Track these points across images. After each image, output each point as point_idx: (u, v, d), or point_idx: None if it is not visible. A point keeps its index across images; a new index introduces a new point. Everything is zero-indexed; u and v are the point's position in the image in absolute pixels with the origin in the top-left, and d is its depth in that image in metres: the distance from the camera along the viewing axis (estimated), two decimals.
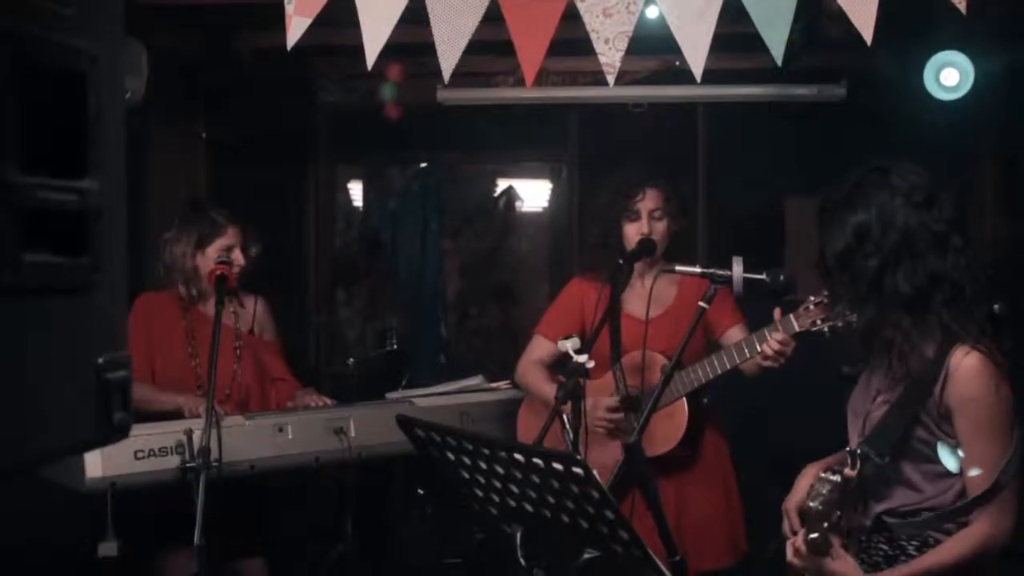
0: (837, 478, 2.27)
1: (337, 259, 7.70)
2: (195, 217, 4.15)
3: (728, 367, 3.50)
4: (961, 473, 2.48)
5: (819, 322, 3.20)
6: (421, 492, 5.41)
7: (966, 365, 2.42)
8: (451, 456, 2.41)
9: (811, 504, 2.29)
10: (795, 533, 2.53)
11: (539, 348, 3.97)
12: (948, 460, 2.47)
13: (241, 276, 4.08)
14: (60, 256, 1.02)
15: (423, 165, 7.99)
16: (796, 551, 2.45)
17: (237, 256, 4.06)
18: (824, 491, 2.28)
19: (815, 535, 2.32)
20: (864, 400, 2.67)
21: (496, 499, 2.40)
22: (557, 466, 2.14)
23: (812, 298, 3.24)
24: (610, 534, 2.19)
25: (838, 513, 2.29)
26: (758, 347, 3.36)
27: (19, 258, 0.96)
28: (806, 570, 2.43)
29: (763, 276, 3.08)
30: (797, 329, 3.25)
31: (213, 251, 4.05)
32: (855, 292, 2.52)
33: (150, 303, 4.08)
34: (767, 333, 3.33)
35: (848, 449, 2.39)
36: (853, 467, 2.32)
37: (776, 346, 3.28)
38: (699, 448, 3.78)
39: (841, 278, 2.56)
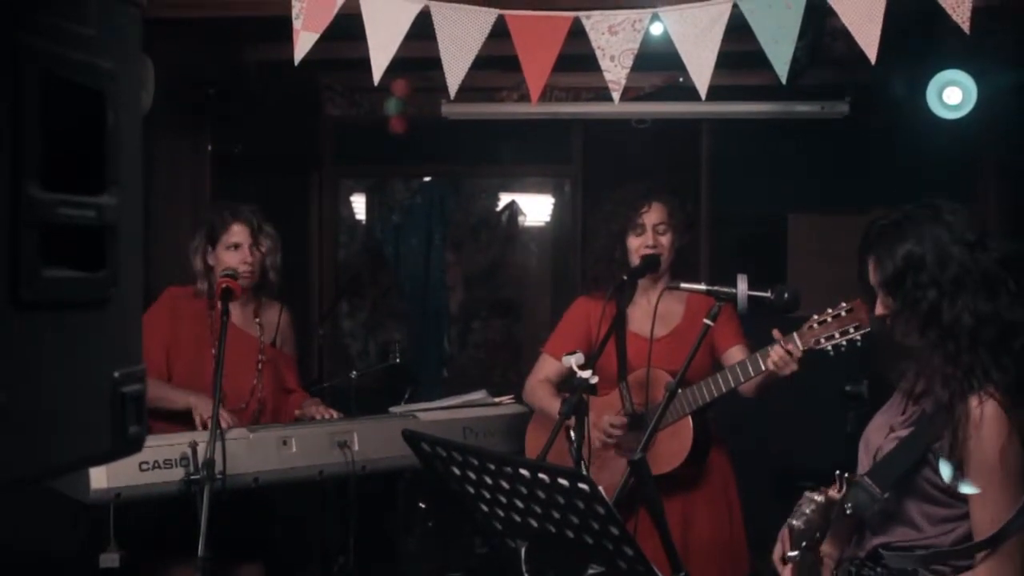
0: (821, 499, 2.26)
1: (341, 272, 7.72)
2: (210, 214, 4.16)
3: (733, 385, 3.49)
4: (967, 519, 2.47)
5: (822, 340, 3.20)
6: (423, 506, 5.41)
7: (980, 413, 2.41)
8: (456, 471, 2.42)
9: (793, 523, 2.29)
10: (784, 560, 2.52)
11: (546, 366, 3.98)
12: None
13: (259, 280, 4.06)
14: (78, 271, 1.04)
15: (427, 179, 8.01)
16: None
17: (244, 254, 4.00)
18: (807, 511, 2.28)
19: (794, 553, 2.33)
20: (878, 434, 2.67)
21: (501, 514, 2.40)
22: (563, 482, 2.14)
23: (815, 316, 3.23)
24: (615, 551, 2.20)
25: (818, 535, 2.29)
26: (762, 366, 3.36)
27: (39, 273, 0.97)
28: None
29: (767, 293, 3.08)
30: (801, 347, 3.24)
31: (221, 248, 4.00)
32: (910, 319, 2.51)
33: (176, 297, 4.06)
34: (770, 351, 3.33)
35: (838, 472, 2.39)
36: (840, 489, 2.32)
37: (782, 352, 3.26)
38: (705, 467, 3.77)
39: (892, 304, 2.56)
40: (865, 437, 2.73)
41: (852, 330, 3.14)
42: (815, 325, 3.22)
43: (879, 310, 2.61)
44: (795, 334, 3.25)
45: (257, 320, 4.14)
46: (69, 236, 1.02)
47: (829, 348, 3.19)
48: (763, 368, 3.35)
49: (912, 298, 2.49)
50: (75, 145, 1.04)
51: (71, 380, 1.04)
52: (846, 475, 2.38)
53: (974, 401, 2.42)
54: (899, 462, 2.52)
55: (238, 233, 4.02)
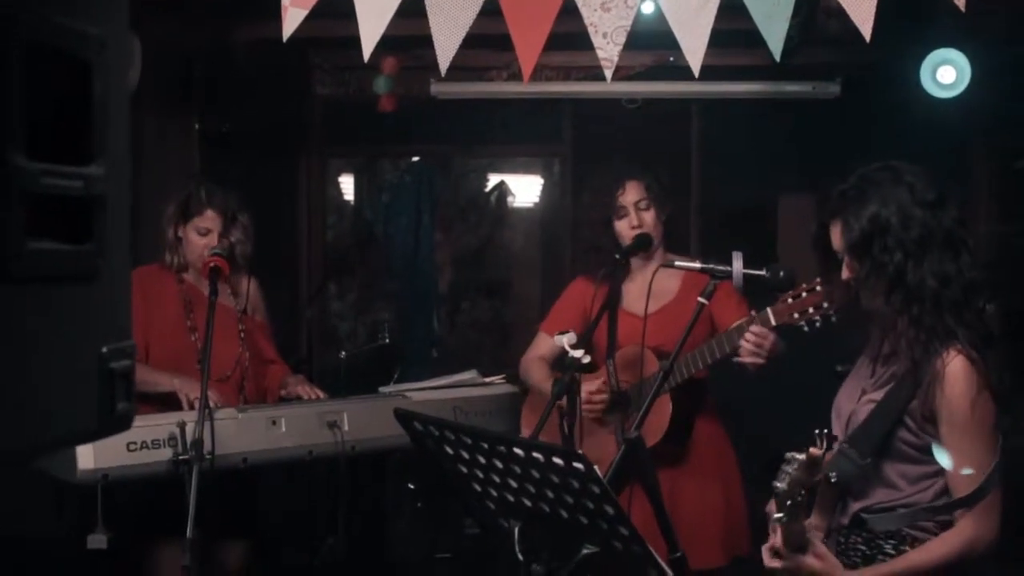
0: (803, 456, 2.26)
1: (329, 252, 7.69)
2: (188, 187, 4.09)
3: (709, 361, 3.45)
4: (943, 474, 2.49)
5: (796, 315, 3.15)
6: (412, 486, 5.39)
7: (951, 369, 2.43)
8: (449, 450, 2.40)
9: (777, 484, 2.28)
10: (772, 523, 2.50)
11: (542, 344, 4.01)
12: (942, 459, 2.47)
13: (231, 258, 4.01)
14: (65, 243, 1.01)
15: (416, 158, 7.98)
16: (772, 550, 2.44)
17: (212, 241, 3.95)
18: (789, 470, 2.27)
19: (780, 515, 2.32)
20: (849, 400, 2.67)
21: (494, 494, 2.38)
22: (557, 461, 2.12)
23: (790, 291, 3.19)
24: (610, 530, 2.18)
25: (803, 492, 2.29)
26: (737, 341, 3.32)
27: (24, 245, 0.94)
28: (785, 570, 2.42)
29: (763, 272, 3.05)
30: (774, 323, 3.20)
31: (191, 228, 3.97)
32: (876, 283, 2.51)
33: (144, 277, 3.99)
34: (744, 326, 3.29)
35: (817, 431, 2.38)
36: (820, 446, 2.32)
37: (752, 338, 3.23)
38: (689, 444, 3.74)
39: (857, 268, 2.55)
40: (836, 405, 2.74)
41: (825, 305, 3.10)
42: (789, 300, 3.17)
43: (845, 274, 2.62)
44: (768, 309, 3.20)
45: (230, 291, 4.10)
46: (55, 207, 0.99)
47: (803, 324, 3.14)
48: (737, 344, 3.31)
49: (879, 261, 2.50)
50: (61, 114, 1.01)
51: (57, 356, 1.01)
52: (826, 431, 2.37)
53: (941, 358, 2.44)
54: (876, 426, 2.54)
55: (210, 220, 3.98)
